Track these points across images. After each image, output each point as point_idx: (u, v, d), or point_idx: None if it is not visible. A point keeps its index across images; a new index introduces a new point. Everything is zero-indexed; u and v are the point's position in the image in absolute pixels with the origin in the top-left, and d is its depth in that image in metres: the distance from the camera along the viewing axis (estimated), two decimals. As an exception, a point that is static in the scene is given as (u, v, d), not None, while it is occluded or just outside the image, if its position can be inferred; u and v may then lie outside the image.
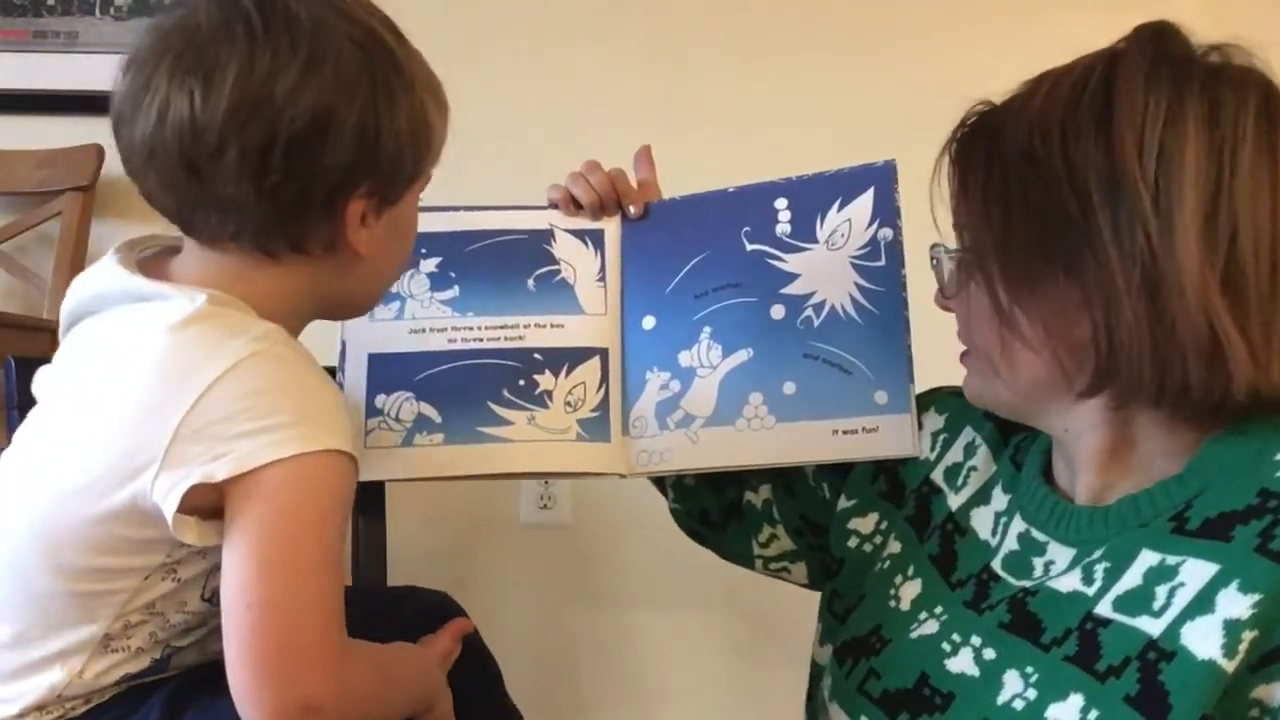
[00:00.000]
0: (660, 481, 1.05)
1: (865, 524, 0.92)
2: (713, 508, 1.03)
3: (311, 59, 0.67)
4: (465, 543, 1.65)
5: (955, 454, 0.89)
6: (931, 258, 0.81)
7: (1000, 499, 0.83)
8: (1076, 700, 0.66)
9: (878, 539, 0.91)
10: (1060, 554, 0.75)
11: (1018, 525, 0.79)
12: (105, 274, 0.73)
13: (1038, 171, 0.69)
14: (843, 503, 0.94)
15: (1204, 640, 0.63)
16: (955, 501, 0.86)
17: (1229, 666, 0.62)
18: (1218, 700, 0.62)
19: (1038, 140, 0.69)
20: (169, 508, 0.64)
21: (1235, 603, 0.62)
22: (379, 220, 0.73)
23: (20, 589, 0.69)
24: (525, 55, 1.65)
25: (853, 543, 0.92)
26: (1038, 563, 0.76)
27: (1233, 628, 0.62)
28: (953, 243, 0.80)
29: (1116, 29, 0.73)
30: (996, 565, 0.79)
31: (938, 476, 0.89)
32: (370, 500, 1.14)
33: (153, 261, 0.74)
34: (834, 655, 0.86)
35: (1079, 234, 0.67)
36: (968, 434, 0.89)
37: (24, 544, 0.69)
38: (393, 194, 0.73)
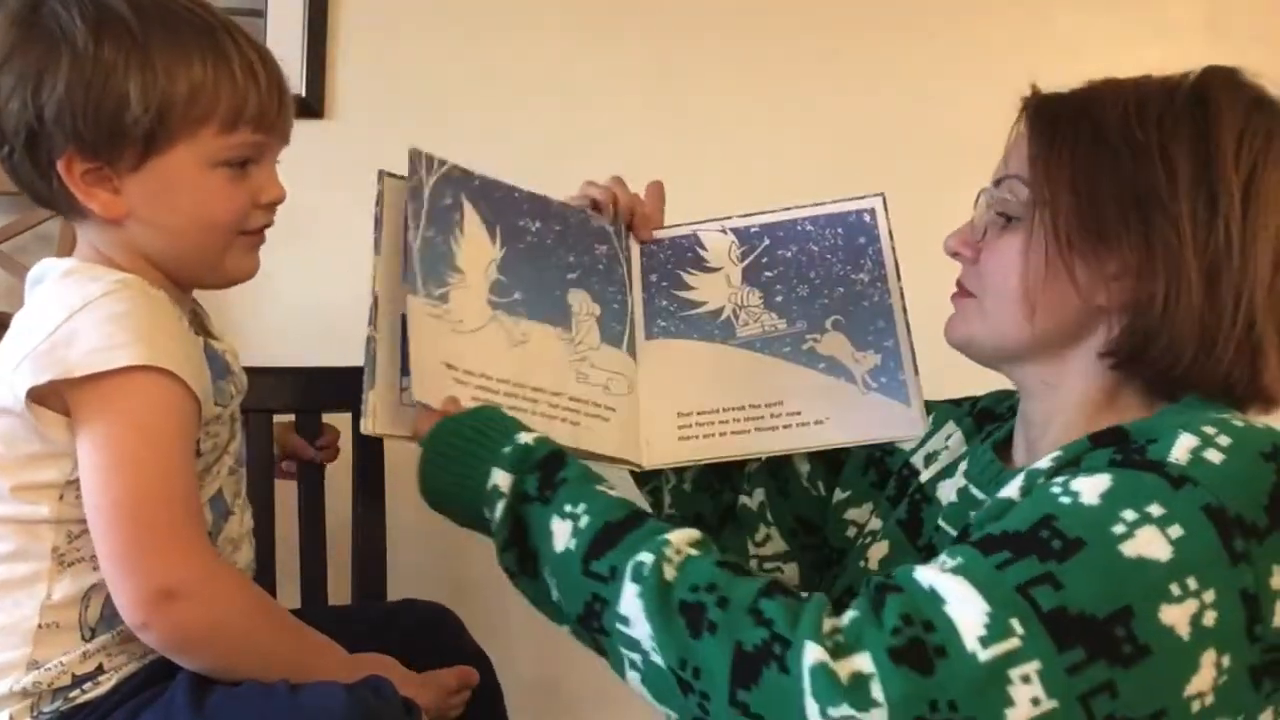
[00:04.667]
0: (656, 493, 1.07)
1: (860, 514, 0.99)
2: (708, 512, 1.06)
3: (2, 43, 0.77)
4: (465, 543, 1.64)
5: (936, 443, 0.97)
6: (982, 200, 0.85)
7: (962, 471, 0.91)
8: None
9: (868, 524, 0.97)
10: None
11: (959, 482, 0.89)
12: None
13: (1132, 150, 0.76)
14: (838, 495, 1.01)
15: (1009, 490, 0.74)
16: (926, 475, 0.94)
17: (1016, 496, 0.72)
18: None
19: (1135, 126, 0.76)
20: (22, 399, 0.73)
21: (1042, 463, 0.73)
22: (123, 182, 0.78)
23: None
24: (526, 57, 1.64)
25: (850, 532, 0.99)
26: (974, 516, 0.82)
27: (1031, 474, 0.72)
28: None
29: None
30: (940, 520, 0.88)
31: (917, 460, 0.97)
32: (370, 500, 1.14)
33: None
34: None
35: (1161, 210, 0.75)
36: (949, 428, 0.97)
37: None
38: (117, 158, 0.78)
